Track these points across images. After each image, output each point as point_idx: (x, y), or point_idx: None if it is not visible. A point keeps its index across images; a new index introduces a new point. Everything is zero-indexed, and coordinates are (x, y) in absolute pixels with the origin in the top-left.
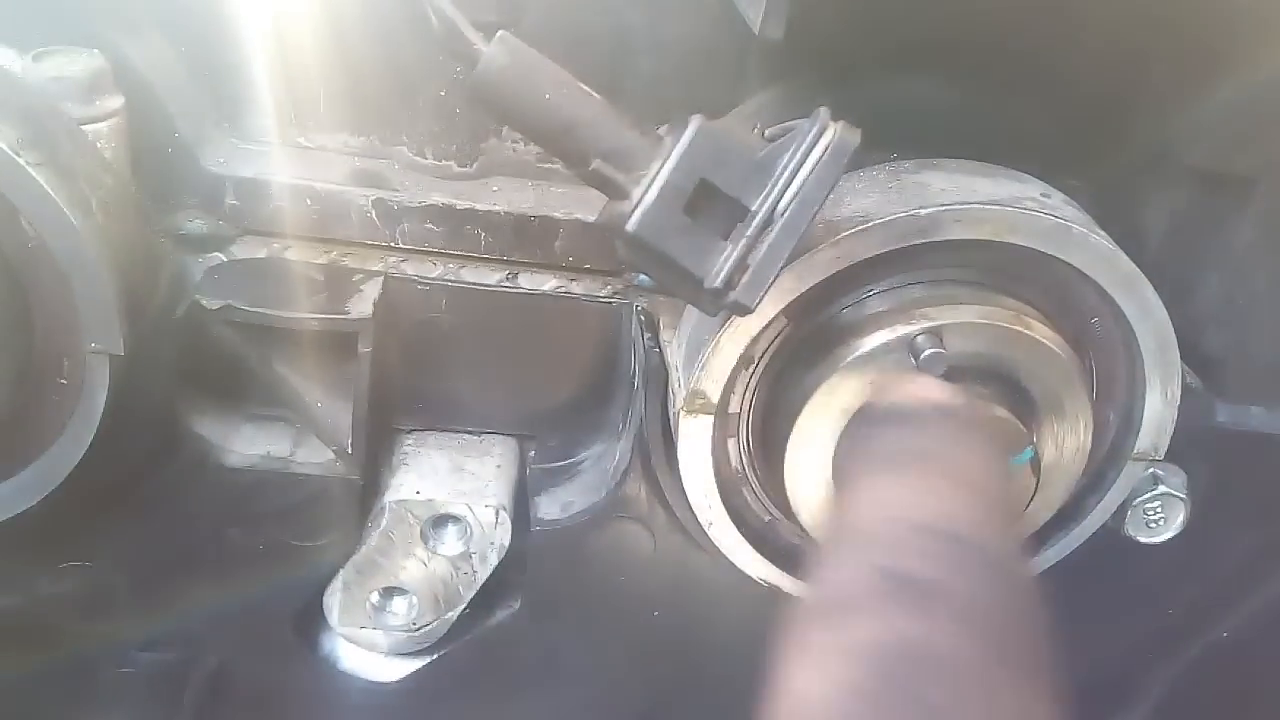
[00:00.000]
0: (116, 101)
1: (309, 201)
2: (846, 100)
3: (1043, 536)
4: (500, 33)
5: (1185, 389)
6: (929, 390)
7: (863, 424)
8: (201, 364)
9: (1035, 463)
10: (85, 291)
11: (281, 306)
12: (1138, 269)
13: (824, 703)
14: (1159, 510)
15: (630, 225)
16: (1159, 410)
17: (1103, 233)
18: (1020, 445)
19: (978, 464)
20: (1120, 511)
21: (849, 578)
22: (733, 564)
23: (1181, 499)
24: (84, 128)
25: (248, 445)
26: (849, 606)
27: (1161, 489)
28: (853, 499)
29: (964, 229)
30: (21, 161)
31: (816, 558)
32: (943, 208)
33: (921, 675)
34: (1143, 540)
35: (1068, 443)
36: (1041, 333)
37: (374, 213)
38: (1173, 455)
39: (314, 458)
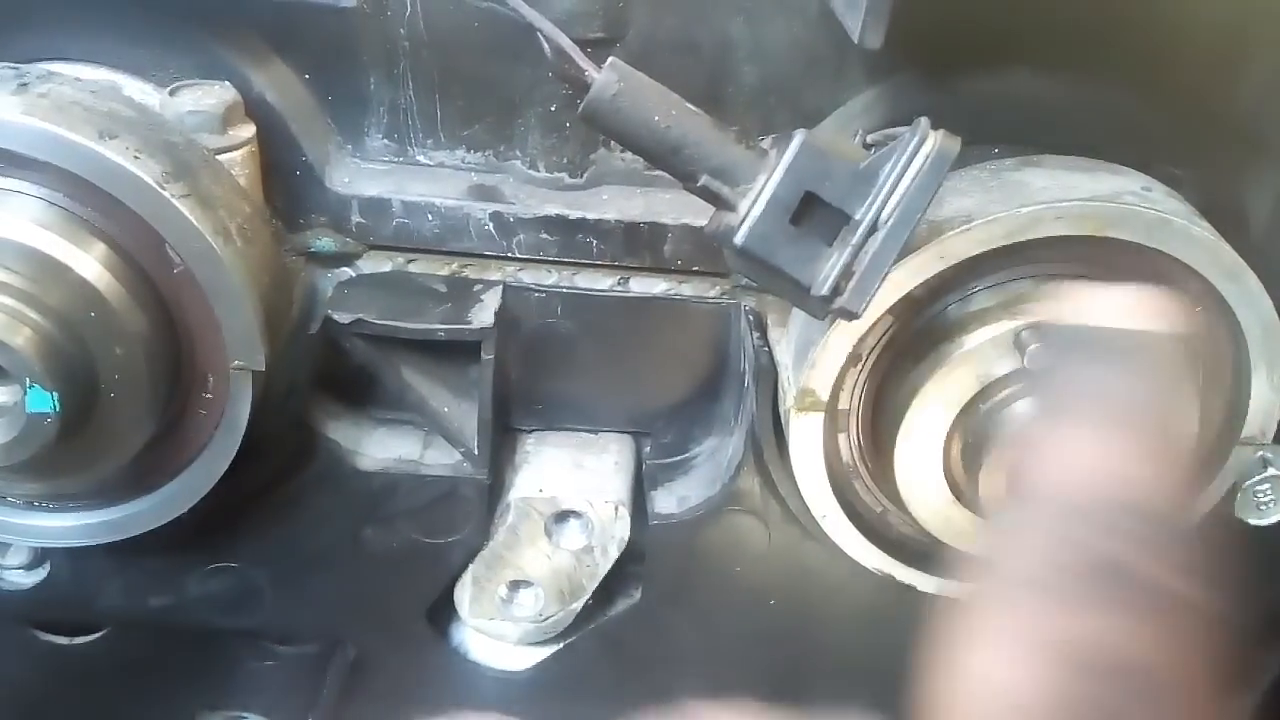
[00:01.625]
0: (248, 131)
1: (430, 217)
2: (947, 97)
3: None
4: (611, 59)
5: None
6: (1135, 310)
7: (1070, 351)
8: (334, 374)
9: None
10: (228, 313)
11: (408, 318)
12: (1240, 258)
13: (1020, 700)
14: (1269, 493)
15: (739, 239)
16: (1265, 396)
17: (1204, 223)
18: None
19: (1164, 408)
20: (1230, 495)
21: (1052, 553)
22: (847, 554)
23: None
24: (220, 157)
25: (379, 449)
26: (1052, 590)
27: (1271, 471)
28: (1053, 454)
29: (1065, 226)
30: (167, 194)
31: (1009, 514)
32: (1044, 205)
33: (1126, 690)
34: (1253, 523)
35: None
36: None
37: (491, 225)
38: None
39: (442, 459)
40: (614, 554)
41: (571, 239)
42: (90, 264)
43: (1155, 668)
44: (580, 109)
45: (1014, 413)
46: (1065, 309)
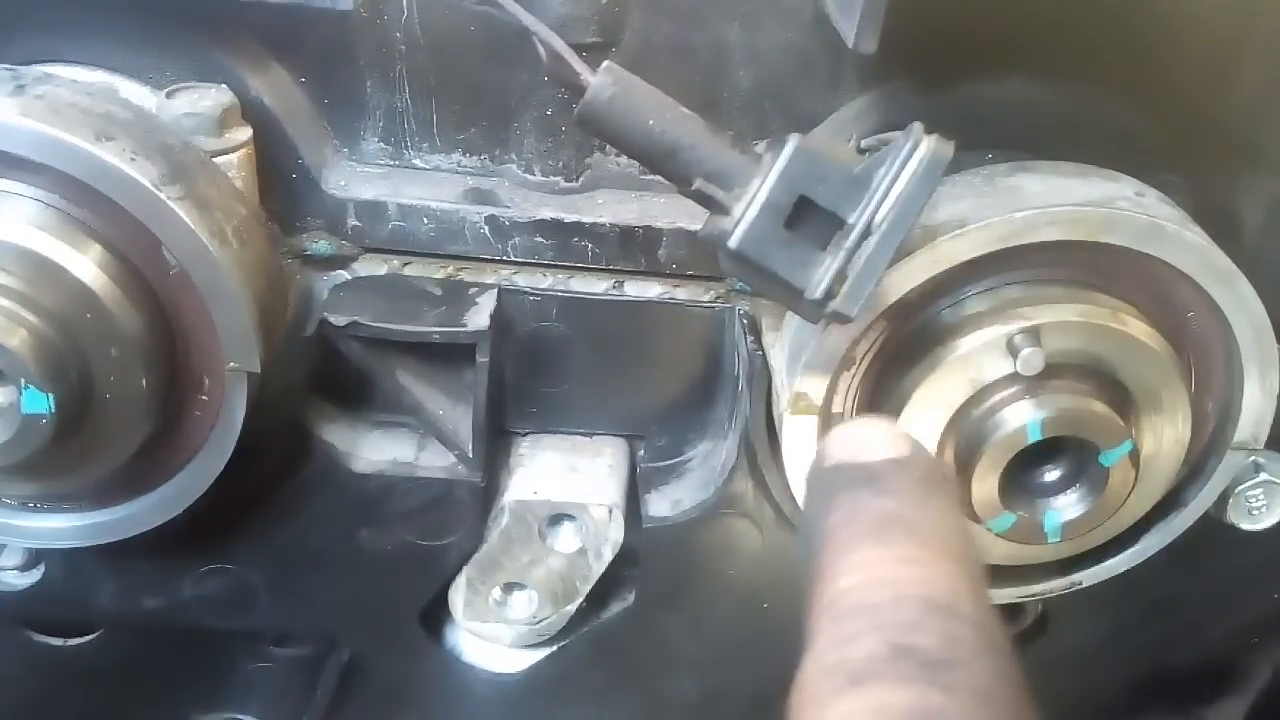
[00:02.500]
0: (245, 134)
1: (425, 220)
2: (941, 102)
3: (1145, 525)
4: (606, 63)
5: None
6: (883, 442)
7: (829, 485)
8: (329, 376)
9: (1134, 455)
10: (224, 315)
11: (404, 321)
12: (1232, 264)
13: None
14: (1261, 498)
15: (733, 242)
16: (1258, 401)
17: (1197, 228)
18: (1118, 440)
19: (946, 525)
20: (1222, 500)
21: (863, 651)
22: None
23: None
24: (216, 160)
25: (374, 451)
26: (870, 676)
27: (1263, 476)
28: (845, 571)
29: (1059, 231)
30: (163, 196)
31: (818, 627)
32: (1037, 211)
33: None
34: (1245, 528)
35: (1166, 435)
36: (1138, 328)
37: (487, 229)
38: (1274, 445)
39: (437, 462)
40: (608, 557)
41: (567, 242)
42: (86, 265)
43: None
44: (575, 113)
45: (1006, 417)
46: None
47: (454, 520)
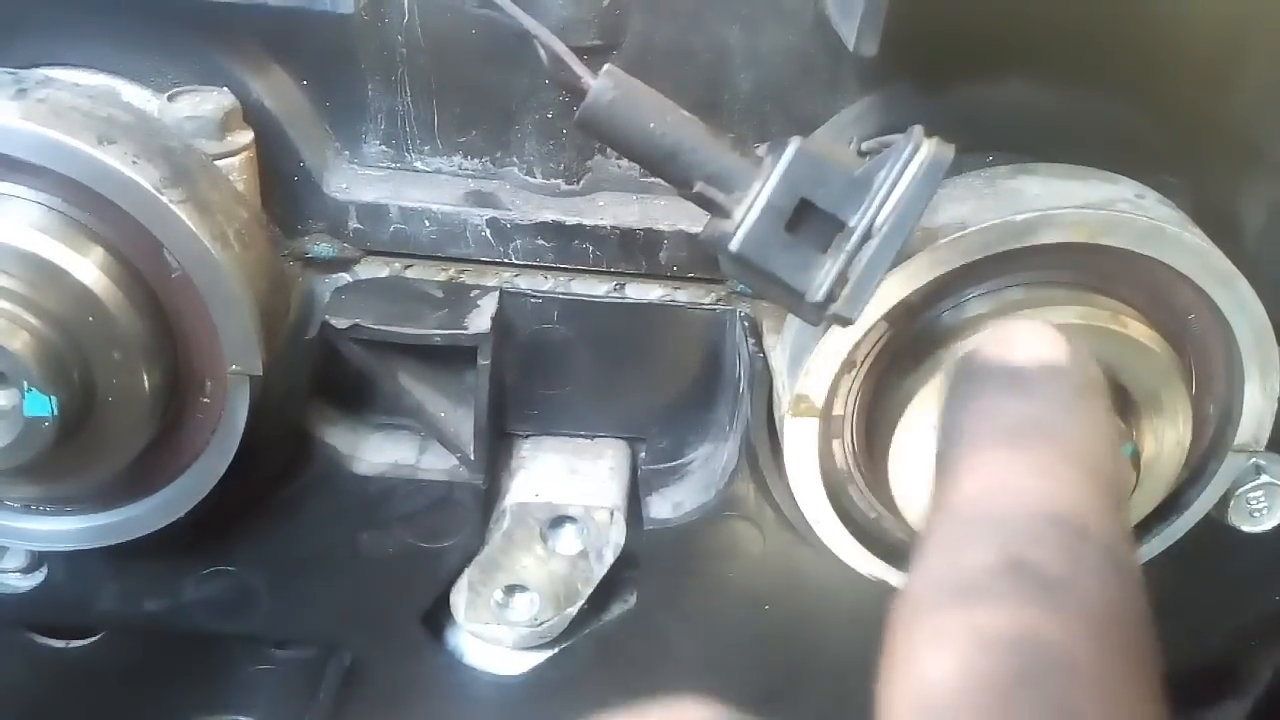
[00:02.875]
0: (246, 137)
1: (427, 223)
2: (941, 105)
3: (1146, 527)
4: (607, 66)
5: None
6: (1040, 344)
7: (973, 381)
8: (331, 379)
9: (1135, 457)
10: (225, 318)
11: (405, 323)
12: (1233, 265)
13: (954, 691)
14: (1262, 499)
15: (733, 245)
16: (1259, 403)
17: (1197, 230)
18: (1119, 442)
19: (1094, 438)
20: (1223, 502)
21: (976, 561)
22: (841, 560)
23: None
24: (218, 163)
25: (376, 454)
26: (978, 590)
27: (1265, 479)
28: (969, 471)
29: (1059, 233)
30: (165, 200)
31: (931, 528)
32: (1037, 213)
33: (1059, 678)
34: (1246, 530)
35: (1167, 437)
36: (1138, 330)
37: (488, 231)
38: (1275, 447)
39: (438, 464)
40: (609, 559)
41: (568, 245)
42: (88, 268)
43: (1094, 663)
44: (576, 116)
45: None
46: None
47: (455, 522)
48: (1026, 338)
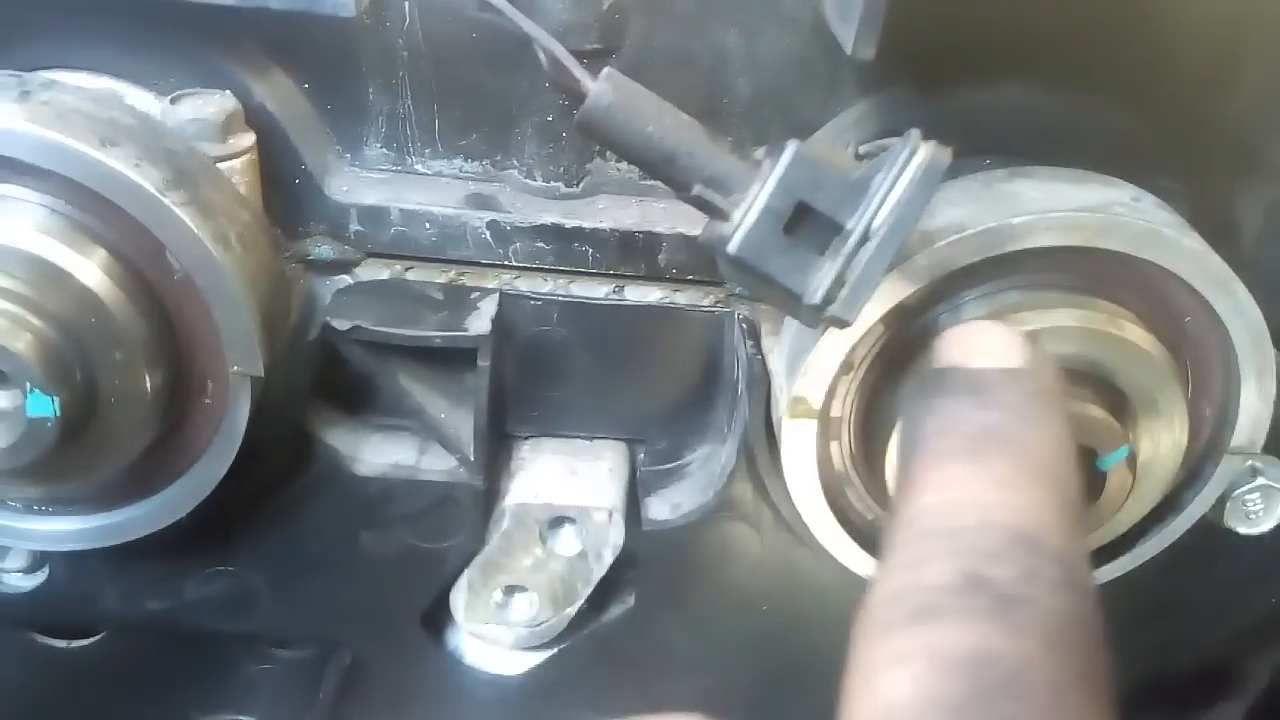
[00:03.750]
0: (248, 139)
1: (427, 225)
2: (939, 109)
3: (1142, 530)
4: (606, 69)
5: None
6: (999, 348)
7: (933, 387)
8: (332, 380)
9: (1132, 460)
10: (227, 319)
11: (406, 325)
12: (1229, 269)
13: (910, 710)
14: (1258, 502)
15: (731, 248)
16: (1255, 405)
17: (1194, 234)
18: (1115, 444)
19: (1051, 448)
20: (1219, 504)
21: (934, 579)
22: (838, 561)
23: None
24: (220, 165)
25: (376, 455)
26: (934, 609)
27: (1261, 481)
28: (928, 484)
29: (1056, 236)
30: (168, 202)
31: (892, 542)
32: (1034, 216)
33: (1014, 695)
34: (1243, 532)
35: (1164, 439)
36: (1135, 333)
37: (488, 234)
38: (1271, 449)
39: (438, 465)
40: (608, 560)
41: (567, 247)
42: (91, 270)
43: (1049, 681)
44: (576, 119)
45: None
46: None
47: (455, 523)
48: (985, 342)
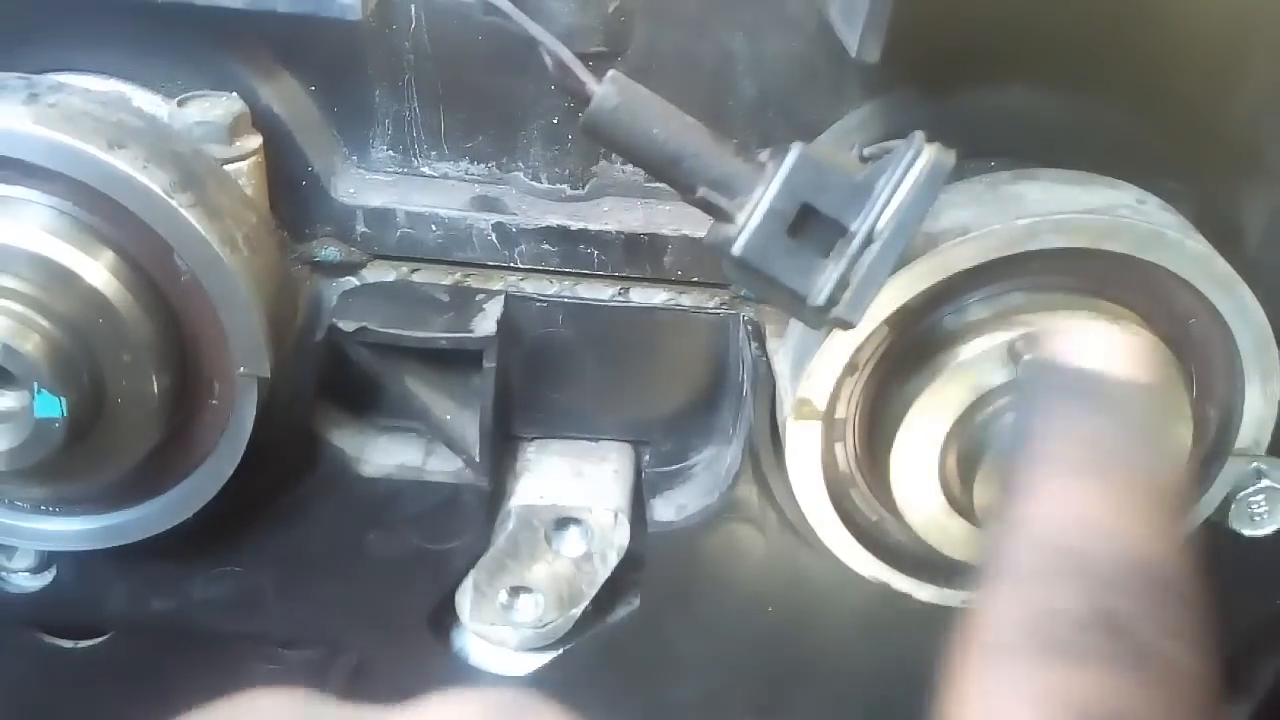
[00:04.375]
0: (255, 142)
1: (433, 227)
2: (943, 111)
3: None
4: (611, 72)
5: None
6: (1126, 358)
7: (1050, 385)
8: (338, 382)
9: None
10: (234, 321)
11: (412, 327)
12: (1233, 271)
13: None
14: (1263, 504)
15: (736, 249)
16: (1259, 407)
17: (1198, 236)
18: None
19: (1175, 475)
20: (1224, 506)
21: (1062, 609)
22: (843, 562)
23: None
24: (227, 168)
25: (382, 456)
26: (1063, 646)
27: (1265, 483)
28: (1051, 496)
29: (1060, 238)
30: (175, 204)
31: (1008, 552)
32: (1038, 218)
33: None
34: (1247, 534)
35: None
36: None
37: (494, 236)
38: (1275, 451)
39: (444, 466)
40: (613, 561)
41: (573, 249)
42: (99, 271)
43: None
44: (581, 121)
45: (1008, 424)
46: (1056, 347)
47: (461, 524)
48: (1110, 347)
